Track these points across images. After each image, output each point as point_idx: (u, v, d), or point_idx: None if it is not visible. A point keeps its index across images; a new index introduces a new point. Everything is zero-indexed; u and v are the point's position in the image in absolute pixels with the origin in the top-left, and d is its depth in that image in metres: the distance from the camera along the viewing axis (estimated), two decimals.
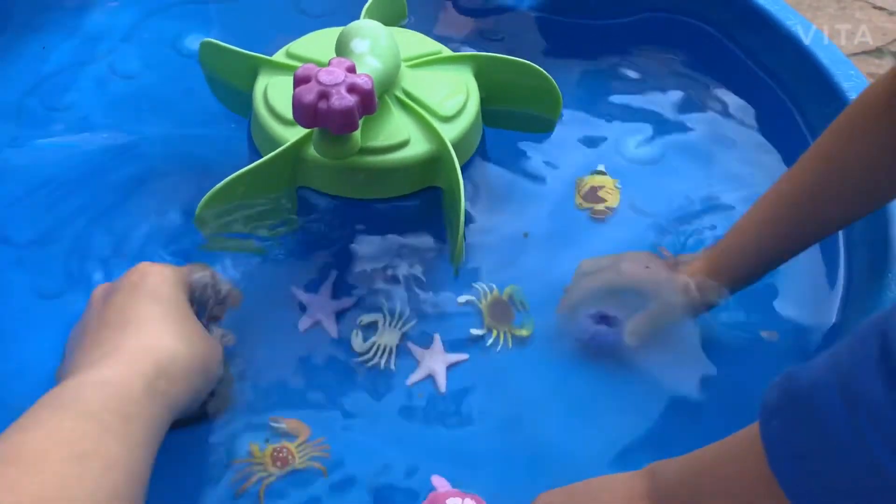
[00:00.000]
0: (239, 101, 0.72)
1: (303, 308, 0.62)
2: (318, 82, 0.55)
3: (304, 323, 0.61)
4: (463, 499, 0.50)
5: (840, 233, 0.68)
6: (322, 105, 0.54)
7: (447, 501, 0.49)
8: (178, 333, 0.49)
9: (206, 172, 0.65)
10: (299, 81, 0.55)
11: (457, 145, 0.64)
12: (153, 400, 0.44)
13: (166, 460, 0.46)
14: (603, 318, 0.61)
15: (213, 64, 0.73)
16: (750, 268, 0.61)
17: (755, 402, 0.57)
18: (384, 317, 0.61)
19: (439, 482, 0.53)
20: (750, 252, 0.60)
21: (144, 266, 0.51)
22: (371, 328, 0.61)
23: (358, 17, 0.69)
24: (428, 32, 0.75)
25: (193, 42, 0.78)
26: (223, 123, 0.73)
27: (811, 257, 0.66)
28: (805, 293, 0.66)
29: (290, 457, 0.54)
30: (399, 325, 0.61)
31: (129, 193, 0.68)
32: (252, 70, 0.69)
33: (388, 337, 0.60)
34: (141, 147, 0.71)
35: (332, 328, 0.61)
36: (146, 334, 0.47)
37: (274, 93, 0.66)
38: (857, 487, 0.35)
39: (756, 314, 0.64)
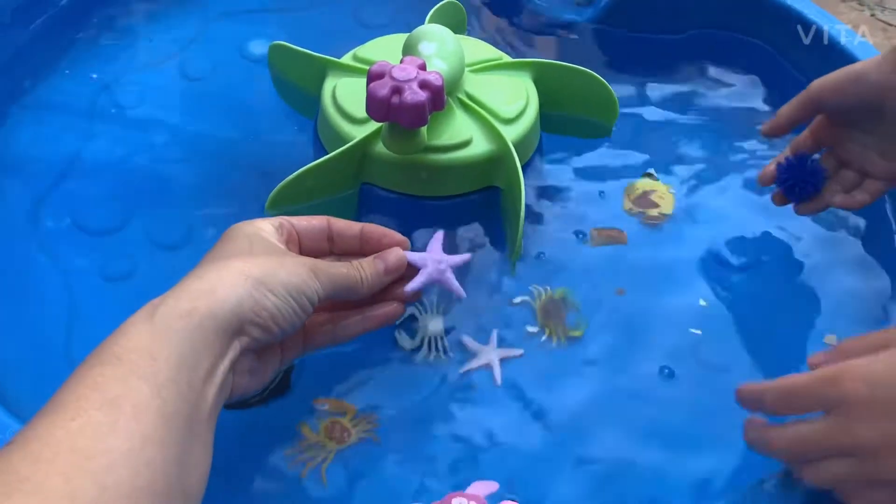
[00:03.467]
0: (304, 101, 0.74)
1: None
2: (392, 78, 0.57)
3: (416, 282, 0.56)
4: (469, 500, 0.51)
5: None
6: (395, 99, 0.56)
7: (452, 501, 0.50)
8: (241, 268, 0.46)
9: (269, 171, 0.67)
10: (374, 77, 0.57)
11: (516, 146, 0.66)
12: (187, 333, 0.42)
13: (226, 448, 0.48)
14: None
15: (281, 65, 0.76)
16: None
17: None
18: (418, 309, 0.61)
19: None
20: None
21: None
22: (407, 325, 0.61)
23: (414, 28, 0.71)
24: (486, 42, 0.77)
25: (258, 47, 0.81)
26: (287, 126, 0.75)
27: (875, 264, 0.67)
28: (867, 298, 0.66)
29: (344, 433, 0.55)
30: (438, 311, 0.61)
31: (195, 190, 0.70)
32: (319, 72, 0.72)
33: (432, 325, 0.61)
34: (206, 146, 0.73)
35: (454, 285, 0.57)
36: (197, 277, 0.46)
37: (342, 92, 0.68)
38: None
39: (820, 318, 0.64)
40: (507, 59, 0.74)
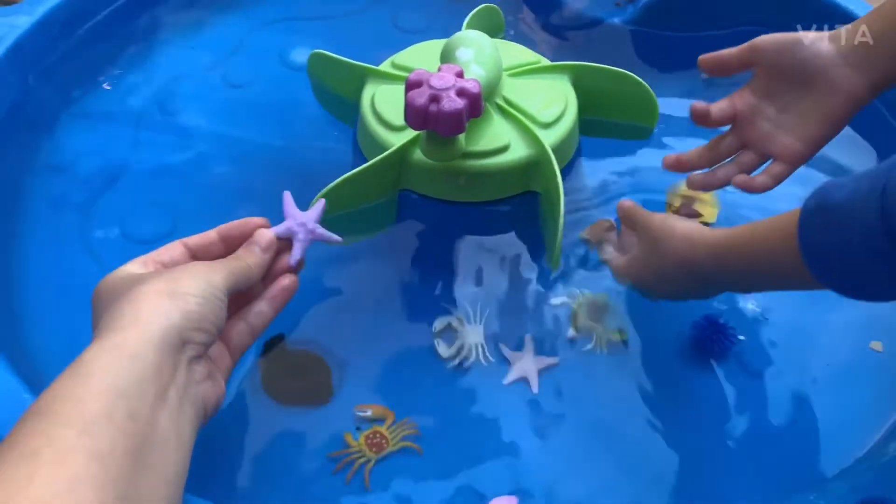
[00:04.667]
0: (344, 109, 0.75)
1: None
2: (430, 86, 0.57)
3: (296, 251, 0.56)
4: None
5: None
6: (433, 108, 0.57)
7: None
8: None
9: (309, 177, 0.68)
10: (412, 86, 0.58)
11: (555, 151, 0.66)
12: (122, 365, 0.41)
13: (270, 453, 0.48)
14: None
15: (321, 73, 0.76)
16: None
17: (858, 411, 0.58)
18: (458, 318, 0.62)
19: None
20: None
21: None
22: (447, 335, 0.62)
23: (451, 34, 0.71)
24: (524, 45, 0.77)
25: (298, 55, 0.82)
26: (326, 132, 0.77)
27: None
28: None
29: (384, 441, 0.56)
30: (479, 321, 0.62)
31: (239, 196, 0.71)
32: (358, 79, 0.72)
33: (472, 335, 0.61)
34: (249, 153, 0.74)
35: (328, 236, 0.57)
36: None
37: (381, 100, 0.69)
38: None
39: (865, 324, 0.64)
40: (545, 62, 0.74)
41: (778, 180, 0.61)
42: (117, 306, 0.44)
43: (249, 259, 0.52)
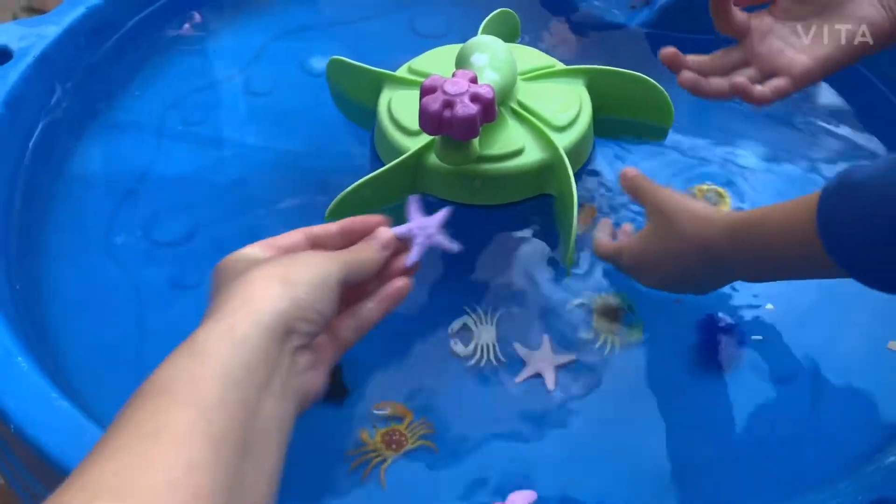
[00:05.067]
0: (362, 114, 0.76)
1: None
2: (444, 92, 0.58)
3: (413, 254, 0.56)
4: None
5: None
6: (447, 113, 0.58)
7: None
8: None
9: (329, 182, 0.70)
10: (426, 91, 0.59)
11: (569, 154, 0.67)
12: (231, 351, 0.42)
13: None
14: None
15: (339, 79, 0.78)
16: None
17: (873, 411, 0.58)
18: (473, 318, 0.63)
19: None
20: None
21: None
22: (463, 334, 0.63)
23: (469, 38, 0.72)
24: (541, 50, 0.78)
25: (318, 62, 0.83)
26: (345, 138, 0.78)
27: None
28: None
29: (402, 438, 0.57)
30: (491, 322, 0.63)
31: (259, 201, 0.73)
32: (376, 85, 0.74)
33: (485, 335, 0.62)
34: (269, 159, 0.76)
35: (447, 244, 0.57)
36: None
37: (398, 105, 0.70)
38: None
39: (882, 324, 0.63)
40: (560, 66, 0.75)
41: (777, 95, 0.60)
42: (231, 286, 0.45)
43: (366, 253, 0.52)
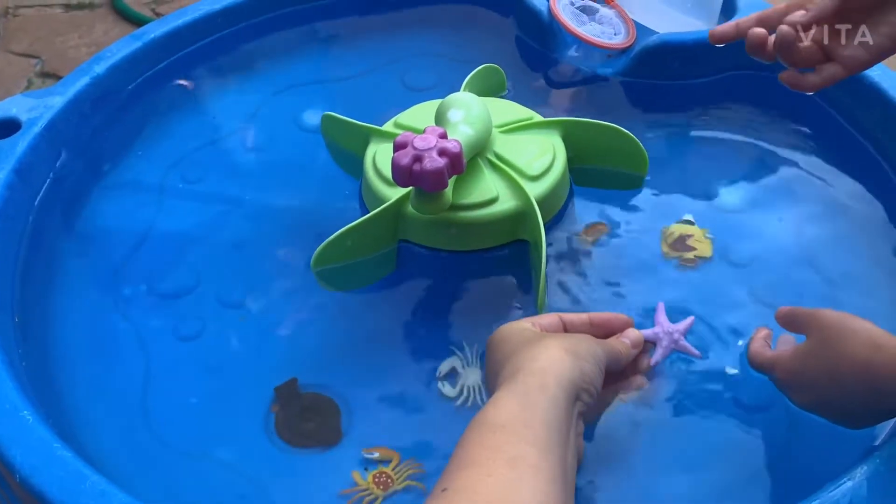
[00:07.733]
0: (355, 166, 0.80)
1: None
2: (414, 147, 0.62)
3: (657, 356, 0.62)
4: None
5: None
6: (416, 167, 0.62)
7: None
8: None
9: (324, 234, 0.72)
10: (398, 147, 0.63)
11: (543, 202, 0.70)
12: (549, 404, 0.48)
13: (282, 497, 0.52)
14: None
15: (332, 133, 0.82)
16: None
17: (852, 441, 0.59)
18: (461, 359, 0.66)
19: None
20: None
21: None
22: (451, 377, 0.66)
23: (458, 90, 0.76)
24: (525, 101, 0.82)
25: (313, 117, 0.87)
26: (338, 191, 0.81)
27: None
28: None
29: (389, 480, 0.60)
30: (477, 363, 0.66)
31: (257, 254, 0.76)
32: (365, 138, 0.78)
33: (472, 377, 0.65)
34: (266, 212, 0.79)
35: (691, 350, 0.64)
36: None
37: (381, 158, 0.74)
38: None
39: None
40: (538, 118, 0.78)
41: (828, 82, 0.61)
42: (529, 349, 0.52)
43: (621, 347, 0.59)
